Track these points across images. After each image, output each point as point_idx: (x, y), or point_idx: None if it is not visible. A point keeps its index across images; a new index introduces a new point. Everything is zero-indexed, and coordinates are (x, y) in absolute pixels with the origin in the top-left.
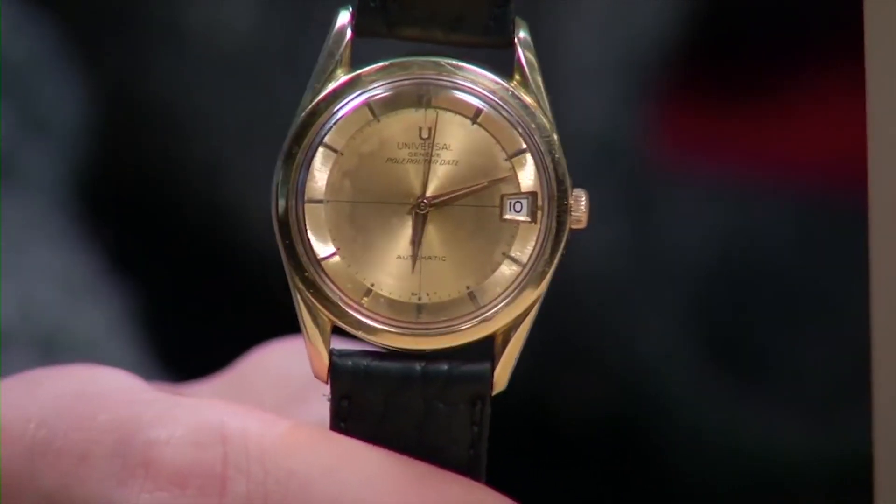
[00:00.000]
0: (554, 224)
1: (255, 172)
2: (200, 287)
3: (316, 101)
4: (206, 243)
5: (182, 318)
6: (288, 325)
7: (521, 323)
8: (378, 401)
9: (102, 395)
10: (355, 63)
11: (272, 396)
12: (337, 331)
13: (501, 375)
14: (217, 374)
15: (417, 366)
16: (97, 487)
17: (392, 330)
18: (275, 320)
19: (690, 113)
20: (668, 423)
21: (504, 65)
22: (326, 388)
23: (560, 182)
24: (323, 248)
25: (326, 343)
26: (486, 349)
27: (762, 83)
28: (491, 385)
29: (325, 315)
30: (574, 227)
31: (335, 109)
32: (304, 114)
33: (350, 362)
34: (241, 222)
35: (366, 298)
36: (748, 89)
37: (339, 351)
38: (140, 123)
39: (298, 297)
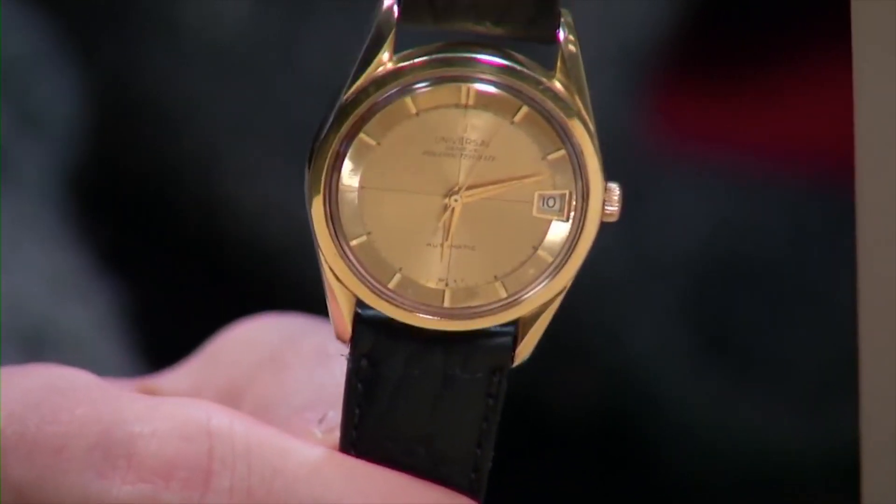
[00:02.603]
0: (585, 221)
1: (250, 169)
2: (193, 284)
3: (356, 89)
4: (200, 240)
5: (173, 315)
6: None
7: (548, 308)
8: (398, 362)
9: (76, 390)
10: (398, 50)
11: (248, 361)
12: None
13: (523, 352)
14: (188, 358)
15: (440, 336)
16: (74, 480)
17: (417, 312)
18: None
19: (682, 105)
20: (659, 416)
21: (546, 58)
22: (345, 349)
23: (594, 181)
24: (354, 230)
25: (351, 306)
26: (511, 325)
27: (756, 74)
28: (512, 357)
29: (352, 294)
30: (606, 220)
31: (376, 100)
32: (343, 101)
33: (374, 321)
34: (235, 219)
35: (393, 282)
36: (742, 80)
37: (363, 312)
38: (134, 119)
39: (326, 277)
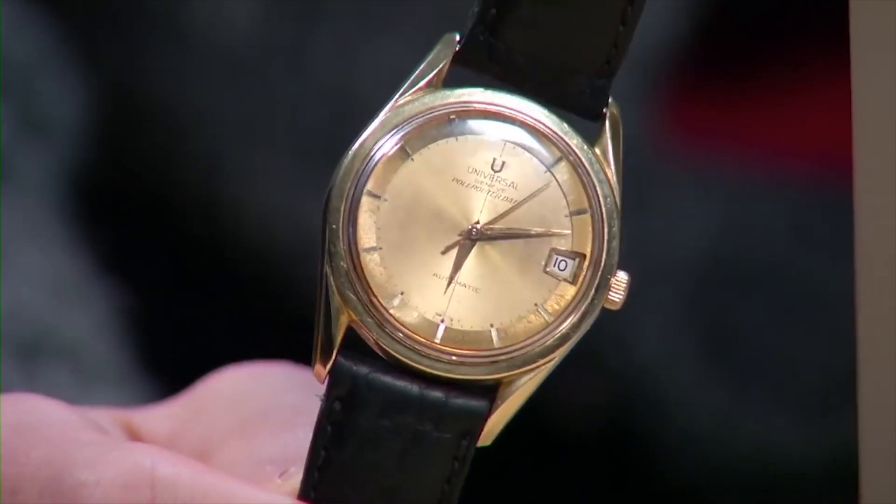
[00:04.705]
0: (591, 293)
1: (254, 174)
2: (195, 289)
3: (401, 102)
4: (203, 245)
5: (175, 320)
6: (280, 331)
7: (531, 379)
8: (371, 410)
9: (38, 430)
10: (447, 85)
11: (225, 421)
12: (347, 339)
13: (495, 425)
14: (172, 398)
15: (416, 387)
16: None
17: (407, 344)
18: (269, 327)
19: (685, 111)
20: (662, 422)
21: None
22: (321, 389)
23: (610, 254)
24: (367, 241)
25: (336, 342)
26: (488, 390)
27: (756, 79)
28: (483, 424)
29: (347, 311)
30: (608, 306)
31: (421, 114)
32: (387, 112)
33: (353, 367)
34: (239, 224)
35: (393, 304)
36: (742, 84)
37: (344, 353)
38: (137, 122)
39: (325, 285)
